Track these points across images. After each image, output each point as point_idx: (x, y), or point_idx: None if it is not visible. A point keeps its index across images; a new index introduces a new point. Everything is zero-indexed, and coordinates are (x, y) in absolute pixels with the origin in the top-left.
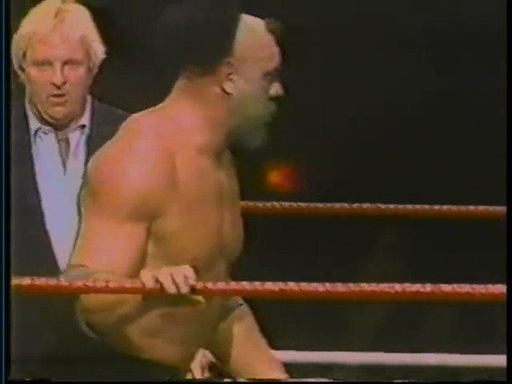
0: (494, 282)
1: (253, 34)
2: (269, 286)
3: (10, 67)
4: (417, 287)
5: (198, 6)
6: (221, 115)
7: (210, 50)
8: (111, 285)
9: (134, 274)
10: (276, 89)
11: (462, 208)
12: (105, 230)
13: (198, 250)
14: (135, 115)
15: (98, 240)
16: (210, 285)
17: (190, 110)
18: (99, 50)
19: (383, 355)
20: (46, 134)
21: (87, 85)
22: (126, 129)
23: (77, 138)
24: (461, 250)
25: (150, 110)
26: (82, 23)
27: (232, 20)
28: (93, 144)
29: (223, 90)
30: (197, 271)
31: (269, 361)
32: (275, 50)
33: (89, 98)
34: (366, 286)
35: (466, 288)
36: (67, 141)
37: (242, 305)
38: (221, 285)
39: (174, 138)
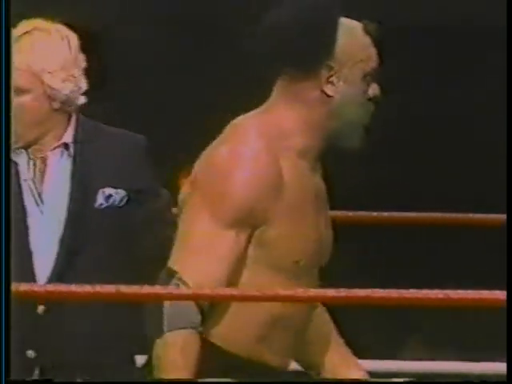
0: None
1: (352, 36)
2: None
3: (10, 66)
4: (331, 292)
5: (299, 9)
6: (321, 118)
7: (311, 54)
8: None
9: (230, 282)
10: (374, 90)
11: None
12: (208, 236)
13: (300, 255)
14: (239, 118)
15: (200, 245)
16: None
17: (290, 113)
18: (54, 79)
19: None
20: (17, 154)
21: (43, 111)
22: (232, 131)
23: (57, 157)
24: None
25: (252, 112)
26: (38, 50)
27: (332, 23)
28: (79, 160)
29: (324, 93)
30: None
31: (352, 362)
32: (373, 51)
33: (73, 115)
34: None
35: (380, 293)
36: (43, 160)
37: (318, 306)
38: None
39: (277, 142)
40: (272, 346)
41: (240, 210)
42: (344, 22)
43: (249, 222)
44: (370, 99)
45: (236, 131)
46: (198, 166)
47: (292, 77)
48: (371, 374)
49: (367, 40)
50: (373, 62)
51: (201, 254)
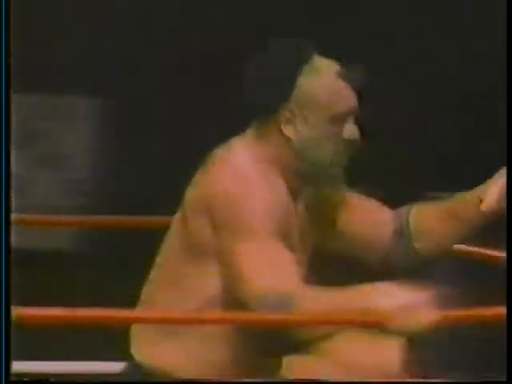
0: None
1: (317, 79)
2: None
3: (9, 63)
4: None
5: (266, 52)
6: (286, 158)
7: (267, 95)
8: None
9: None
10: (350, 132)
11: None
12: (263, 251)
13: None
14: (220, 147)
15: (265, 261)
16: None
17: (259, 149)
18: None
19: None
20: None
21: None
22: (223, 158)
23: None
24: None
25: (229, 143)
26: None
27: (292, 66)
28: None
29: (285, 134)
30: None
31: None
32: (345, 94)
33: None
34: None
35: None
36: None
37: None
38: None
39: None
40: None
41: (272, 221)
42: (314, 64)
43: (280, 233)
44: (346, 141)
45: (227, 157)
46: (208, 194)
47: (260, 116)
48: None
49: (338, 83)
50: (344, 106)
51: (270, 266)
